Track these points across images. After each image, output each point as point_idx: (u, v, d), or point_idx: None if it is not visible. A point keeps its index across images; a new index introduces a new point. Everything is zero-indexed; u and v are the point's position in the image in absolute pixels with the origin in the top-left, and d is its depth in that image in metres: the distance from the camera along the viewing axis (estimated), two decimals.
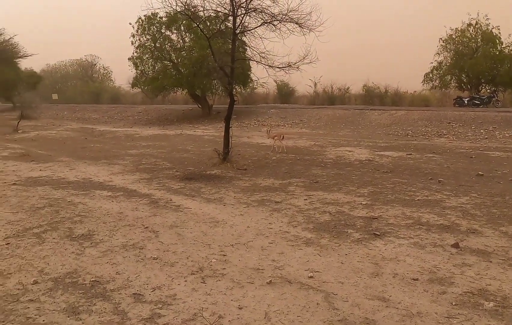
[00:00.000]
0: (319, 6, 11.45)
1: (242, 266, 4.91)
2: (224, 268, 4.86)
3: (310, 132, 21.94)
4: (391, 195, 8.41)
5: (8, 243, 5.81)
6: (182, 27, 27.67)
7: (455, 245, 5.49)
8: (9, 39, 32.95)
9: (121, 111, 35.24)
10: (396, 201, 7.93)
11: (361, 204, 7.74)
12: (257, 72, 16.96)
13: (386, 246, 5.55)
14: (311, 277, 4.60)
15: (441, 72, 31.08)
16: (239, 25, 11.79)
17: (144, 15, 27.54)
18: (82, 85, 56.02)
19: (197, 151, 15.24)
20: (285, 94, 36.82)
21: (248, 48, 13.15)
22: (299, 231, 6.19)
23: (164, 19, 27.20)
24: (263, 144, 16.94)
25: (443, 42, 30.71)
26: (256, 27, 11.82)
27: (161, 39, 28.18)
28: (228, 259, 5.15)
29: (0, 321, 3.80)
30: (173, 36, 28.81)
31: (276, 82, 33.71)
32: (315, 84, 35.66)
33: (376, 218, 6.83)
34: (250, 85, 28.63)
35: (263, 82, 17.44)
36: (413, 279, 4.54)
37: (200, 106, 30.77)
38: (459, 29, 30.14)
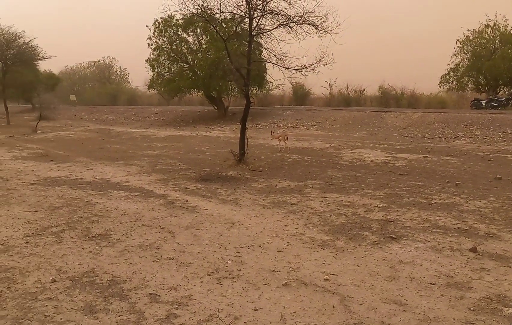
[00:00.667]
0: (336, 8, 11.44)
1: (257, 268, 4.92)
2: (240, 270, 4.88)
3: (326, 134, 21.88)
4: (407, 197, 8.34)
5: (27, 242, 5.90)
6: (198, 29, 27.87)
7: (473, 250, 5.42)
8: (29, 42, 33.39)
9: (138, 112, 35.57)
10: (413, 203, 7.86)
11: (377, 206, 7.69)
12: (273, 74, 17.03)
13: (403, 250, 5.50)
14: (327, 279, 4.58)
15: (458, 74, 30.73)
16: (255, 27, 11.81)
17: (161, 18, 27.85)
18: (100, 87, 56.86)
19: (213, 153, 15.32)
20: (300, 96, 36.81)
21: (264, 50, 13.18)
22: (315, 233, 6.18)
23: (180, 21, 27.42)
24: (279, 146, 16.93)
25: (460, 43, 30.36)
26: (272, 29, 11.85)
27: (178, 41, 28.39)
28: (243, 260, 5.16)
29: (19, 319, 3.85)
30: (190, 38, 29.05)
31: (291, 84, 33.85)
32: (331, 86, 35.60)
33: (393, 221, 6.77)
34: (266, 87, 28.69)
35: (278, 84, 17.55)
36: (430, 283, 4.50)
37: (215, 107, 30.92)
38: (477, 30, 29.77)
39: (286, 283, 4.49)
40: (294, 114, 27.81)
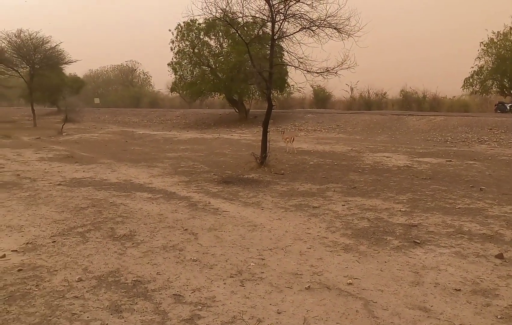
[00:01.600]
0: (358, 11, 11.39)
1: (280, 271, 4.93)
2: (263, 272, 4.89)
3: (347, 138, 21.76)
4: (430, 202, 8.23)
5: (54, 241, 6.04)
6: (220, 33, 28.12)
7: (499, 256, 5.33)
8: (55, 46, 34.28)
9: (160, 115, 36.00)
10: (436, 208, 7.76)
11: (400, 210, 7.61)
12: (294, 77, 17.04)
13: (427, 255, 5.44)
14: (350, 283, 4.56)
15: (482, 77, 30.13)
16: (278, 31, 11.85)
17: (184, 22, 28.19)
18: (123, 90, 57.79)
19: (234, 155, 15.40)
20: (321, 99, 36.73)
21: (285, 53, 13.21)
22: (338, 237, 6.16)
23: (202, 25, 27.71)
24: (300, 149, 16.91)
25: (484, 46, 29.77)
26: (294, 33, 11.86)
27: (200, 45, 28.70)
28: (266, 263, 5.18)
29: (47, 316, 3.94)
30: (211, 42, 29.38)
31: (312, 87, 33.81)
32: (352, 89, 35.42)
33: (416, 226, 6.70)
34: (287, 90, 28.74)
35: (299, 87, 17.57)
36: (455, 289, 4.44)
37: (237, 110, 31.09)
38: (501, 32, 29.16)
39: (309, 286, 4.49)
40: (315, 118, 27.74)
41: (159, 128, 29.72)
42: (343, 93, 36.42)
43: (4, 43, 33.51)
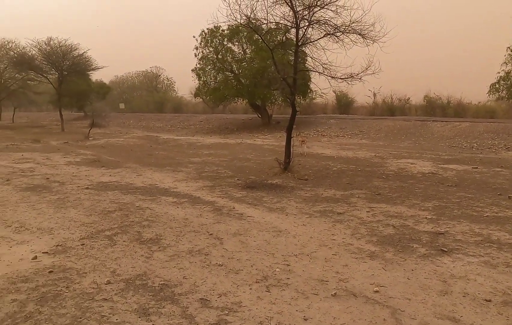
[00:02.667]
0: (383, 16, 11.33)
1: (306, 277, 4.93)
2: (288, 278, 4.90)
3: (370, 144, 21.58)
4: (457, 209, 8.10)
5: (83, 244, 6.17)
6: (244, 39, 28.30)
7: None
8: (83, 53, 35.11)
9: (184, 120, 36.36)
10: (463, 216, 7.63)
11: (425, 218, 7.52)
12: (318, 83, 17.03)
13: (455, 263, 5.36)
14: (376, 291, 4.53)
15: (509, 82, 29.39)
16: (302, 37, 11.87)
17: (207, 28, 28.50)
18: (147, 95, 58.62)
19: (258, 160, 15.44)
20: (344, 104, 36.51)
21: (308, 58, 13.20)
22: (363, 244, 6.13)
23: (226, 31, 27.94)
24: (323, 155, 16.87)
25: (511, 51, 29.06)
26: (318, 39, 11.86)
27: (223, 51, 28.94)
28: (292, 268, 5.18)
29: (77, 317, 4.02)
30: (235, 48, 29.55)
31: (335, 93, 33.64)
32: (375, 95, 35.11)
33: (443, 234, 6.60)
34: (310, 95, 28.71)
35: (322, 93, 17.59)
36: (486, 300, 4.36)
37: (260, 116, 31.19)
38: None
39: (335, 293, 4.48)
40: (338, 123, 27.61)
41: (182, 133, 30.03)
42: (365, 99, 36.14)
43: (34, 50, 34.55)
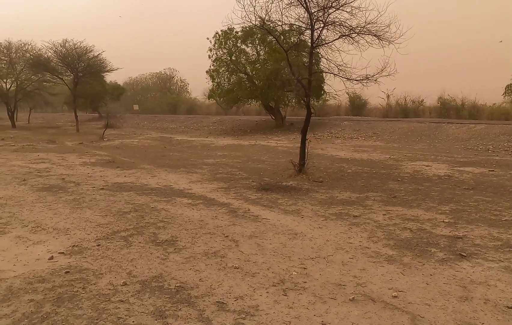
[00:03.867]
0: (398, 18, 11.22)
1: (323, 281, 4.87)
2: (305, 282, 4.85)
3: (385, 146, 21.41)
4: (475, 213, 7.96)
5: (99, 245, 6.18)
6: (257, 41, 28.33)
7: None
8: (98, 55, 35.46)
9: (197, 121, 36.49)
10: (481, 220, 7.50)
11: (443, 221, 7.40)
12: (332, 84, 16.94)
13: (474, 269, 5.26)
14: (395, 296, 4.46)
15: None
16: (317, 38, 11.81)
17: (221, 30, 28.59)
18: (161, 97, 59.08)
19: (272, 162, 15.41)
20: (357, 106, 36.35)
21: (322, 60, 13.14)
22: (380, 247, 6.05)
23: (239, 33, 28.00)
24: (337, 157, 16.77)
25: None
26: (333, 40, 11.79)
27: (237, 53, 28.99)
28: (308, 272, 5.13)
29: (94, 319, 4.02)
30: (248, 50, 29.59)
31: (348, 94, 33.47)
32: (388, 97, 34.85)
33: (461, 238, 6.49)
34: (323, 97, 28.61)
35: (335, 94, 17.53)
36: (508, 307, 4.25)
37: (273, 117, 31.18)
38: None
39: (353, 297, 4.42)
40: (352, 125, 27.44)
41: (196, 135, 30.11)
42: (379, 101, 35.95)
43: (50, 52, 35.00)
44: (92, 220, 7.53)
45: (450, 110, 31.71)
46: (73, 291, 4.63)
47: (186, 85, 66.51)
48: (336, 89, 13.87)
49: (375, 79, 11.75)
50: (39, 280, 4.93)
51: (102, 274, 5.12)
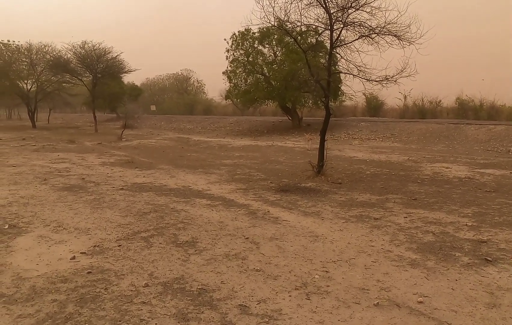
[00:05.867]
0: (419, 18, 11.06)
1: (346, 285, 4.80)
2: (328, 285, 4.78)
3: (403, 147, 21.18)
4: (498, 216, 7.79)
5: (120, 245, 6.20)
6: (274, 42, 28.31)
7: None
8: (116, 56, 35.88)
9: (214, 122, 36.58)
10: (505, 223, 7.33)
11: (466, 225, 7.26)
12: (352, 85, 16.83)
13: (501, 274, 5.13)
14: (420, 302, 4.36)
15: None
16: (336, 39, 11.71)
17: (238, 31, 28.65)
18: (178, 98, 59.40)
19: (290, 163, 15.34)
20: (373, 107, 35.99)
21: (340, 61, 13.03)
22: (403, 251, 5.95)
23: (256, 34, 28.00)
24: (355, 158, 16.63)
25: None
26: (353, 41, 11.67)
27: (254, 54, 28.99)
28: (331, 276, 5.06)
29: (117, 320, 4.01)
30: (265, 50, 29.58)
31: (365, 95, 33.21)
32: (405, 97, 34.45)
33: (485, 242, 6.35)
34: (340, 98, 28.46)
35: (352, 95, 17.40)
36: None
37: (290, 118, 31.11)
38: None
39: (377, 302, 4.34)
40: (369, 126, 27.21)
41: (213, 135, 30.20)
42: (395, 101, 35.50)
43: (69, 54, 35.53)
44: (112, 220, 7.57)
45: (468, 111, 31.20)
46: (95, 291, 4.64)
47: (202, 86, 66.88)
48: (355, 90, 13.77)
49: (395, 80, 11.60)
50: (61, 280, 4.96)
51: (123, 274, 5.12)
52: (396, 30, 11.12)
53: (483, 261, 5.56)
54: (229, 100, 34.19)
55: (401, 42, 11.27)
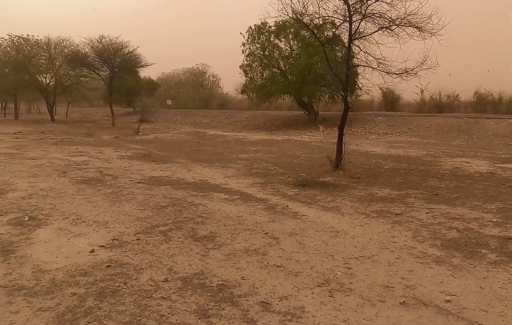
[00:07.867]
0: (440, 8, 10.79)
1: (370, 282, 4.67)
2: (351, 282, 4.66)
3: (421, 141, 20.87)
4: None
5: (139, 239, 6.15)
6: (290, 35, 28.10)
7: None
8: (133, 50, 36.08)
9: (229, 116, 36.55)
10: None
11: (491, 221, 7.05)
12: (370, 78, 16.59)
13: None
14: (448, 300, 4.22)
15: None
16: (355, 31, 11.49)
17: (254, 25, 28.50)
18: (193, 92, 59.57)
19: (307, 158, 15.19)
20: (390, 101, 35.49)
21: (358, 54, 12.81)
22: (426, 247, 5.79)
23: (273, 28, 27.81)
24: (373, 153, 16.41)
25: None
26: (372, 33, 11.45)
27: (270, 48, 28.82)
28: (354, 272, 4.94)
29: (136, 315, 3.95)
30: (281, 44, 29.39)
31: (381, 89, 32.76)
32: (422, 92, 33.90)
33: None
34: (356, 92, 28.14)
35: (368, 89, 17.12)
36: None
37: (306, 112, 30.90)
38: None
39: (403, 301, 4.20)
40: (386, 121, 26.88)
41: (229, 129, 30.15)
42: (412, 96, 34.96)
43: (87, 48, 35.82)
44: (130, 214, 7.54)
45: (486, 105, 30.58)
46: (114, 285, 4.60)
47: (218, 80, 66.94)
48: (369, 83, 13.52)
49: (415, 72, 11.35)
50: (81, 273, 4.94)
51: (142, 269, 5.06)
52: (417, 22, 10.87)
53: (511, 258, 5.37)
54: (245, 94, 34.10)
55: (422, 33, 11.01)
